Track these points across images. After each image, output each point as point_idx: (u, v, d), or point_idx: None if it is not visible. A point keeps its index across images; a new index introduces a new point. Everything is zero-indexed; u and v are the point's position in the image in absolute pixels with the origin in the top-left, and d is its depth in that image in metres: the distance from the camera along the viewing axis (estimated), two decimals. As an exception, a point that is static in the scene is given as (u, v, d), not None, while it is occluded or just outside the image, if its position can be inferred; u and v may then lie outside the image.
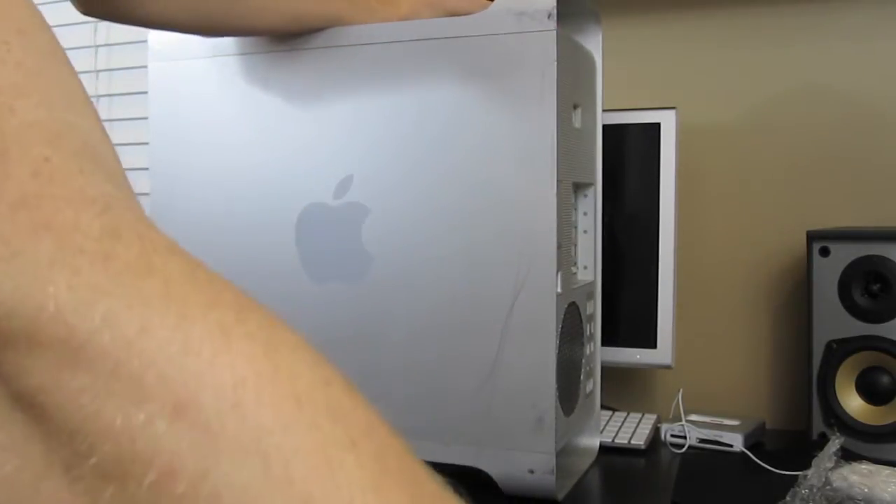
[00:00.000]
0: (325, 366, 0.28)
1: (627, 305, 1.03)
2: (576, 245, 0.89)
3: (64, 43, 0.30)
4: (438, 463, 0.90)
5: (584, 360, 0.87)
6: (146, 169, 0.91)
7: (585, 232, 0.90)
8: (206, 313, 0.27)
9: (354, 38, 0.82)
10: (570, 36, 0.85)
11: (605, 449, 0.95)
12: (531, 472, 0.77)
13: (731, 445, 0.94)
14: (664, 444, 0.98)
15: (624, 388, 1.18)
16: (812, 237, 0.95)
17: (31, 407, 0.25)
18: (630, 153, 1.03)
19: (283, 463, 0.25)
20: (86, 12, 0.74)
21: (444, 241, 0.79)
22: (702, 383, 1.13)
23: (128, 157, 1.51)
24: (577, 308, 0.84)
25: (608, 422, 1.01)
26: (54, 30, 0.30)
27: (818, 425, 0.94)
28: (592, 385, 0.91)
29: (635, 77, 1.17)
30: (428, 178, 0.80)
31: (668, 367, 1.03)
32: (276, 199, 0.86)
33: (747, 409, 1.11)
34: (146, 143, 0.91)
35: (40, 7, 0.31)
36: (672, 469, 0.90)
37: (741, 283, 1.13)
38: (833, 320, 0.93)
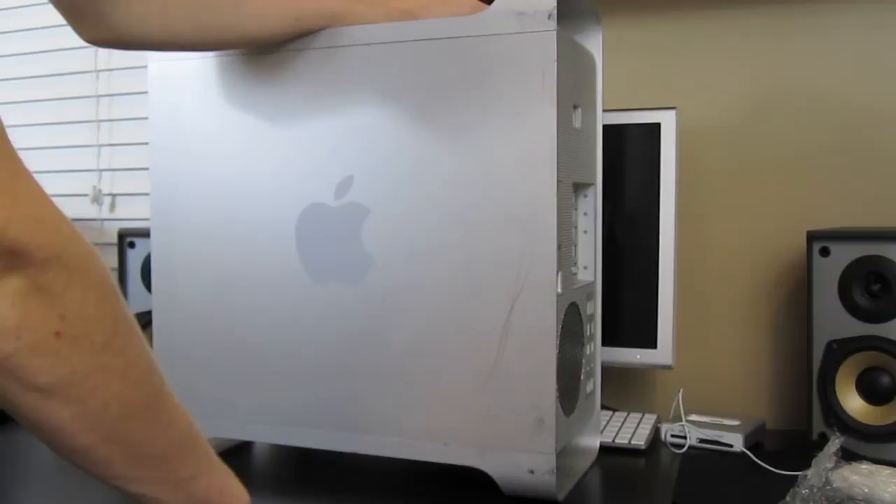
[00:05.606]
0: None
1: (627, 305, 1.03)
2: (576, 245, 0.89)
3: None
4: (438, 463, 0.90)
5: (584, 361, 0.87)
6: (146, 169, 0.91)
7: (585, 232, 0.90)
8: None
9: (355, 38, 0.82)
10: (570, 36, 0.85)
11: (605, 449, 0.95)
12: (531, 472, 0.77)
13: (731, 445, 0.94)
14: (664, 444, 0.98)
15: (624, 388, 1.18)
16: (812, 237, 0.95)
17: None
18: (630, 153, 1.03)
19: None
20: (89, 39, 0.75)
21: (444, 242, 0.79)
22: (702, 383, 1.14)
23: (128, 158, 1.51)
24: (578, 308, 0.84)
25: (608, 422, 1.02)
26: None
27: (818, 425, 0.94)
28: (593, 385, 0.91)
29: (635, 77, 1.17)
30: (428, 179, 0.80)
31: (668, 367, 1.03)
32: (277, 199, 0.86)
33: (747, 409, 1.11)
34: (146, 143, 0.91)
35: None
36: (672, 469, 0.90)
37: (741, 283, 1.13)
38: (833, 320, 0.93)
